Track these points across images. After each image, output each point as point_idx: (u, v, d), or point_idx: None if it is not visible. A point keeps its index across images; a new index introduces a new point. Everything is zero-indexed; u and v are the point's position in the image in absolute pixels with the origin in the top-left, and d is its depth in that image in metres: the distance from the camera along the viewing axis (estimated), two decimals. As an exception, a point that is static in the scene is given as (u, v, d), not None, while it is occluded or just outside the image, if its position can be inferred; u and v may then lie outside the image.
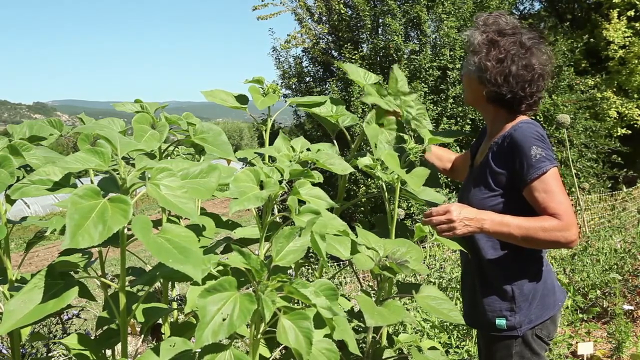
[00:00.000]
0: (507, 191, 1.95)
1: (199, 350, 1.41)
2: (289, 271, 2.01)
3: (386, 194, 2.11)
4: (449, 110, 12.69)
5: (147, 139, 1.75)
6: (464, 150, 9.86)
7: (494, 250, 2.01)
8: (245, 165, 2.19)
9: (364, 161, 2.09)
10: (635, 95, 15.54)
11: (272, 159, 2.08)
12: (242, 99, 2.26)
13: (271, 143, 2.17)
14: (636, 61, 15.22)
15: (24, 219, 1.97)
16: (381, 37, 13.21)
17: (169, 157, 1.95)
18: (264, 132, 2.25)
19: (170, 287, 2.15)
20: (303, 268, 2.24)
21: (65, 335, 2.82)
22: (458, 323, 2.24)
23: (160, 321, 2.05)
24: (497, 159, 1.97)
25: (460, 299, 4.34)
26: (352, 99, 11.87)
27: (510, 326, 2.00)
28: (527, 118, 2.02)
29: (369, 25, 13.30)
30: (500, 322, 2.01)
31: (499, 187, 1.96)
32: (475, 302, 2.09)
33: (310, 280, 1.59)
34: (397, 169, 1.98)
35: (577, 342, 3.97)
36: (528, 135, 1.90)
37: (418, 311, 4.18)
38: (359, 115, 2.39)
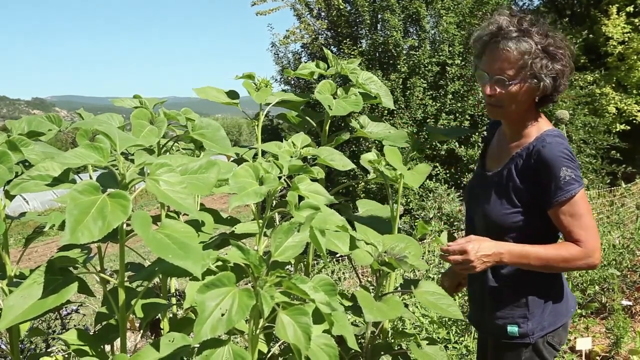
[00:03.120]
0: (531, 208, 1.86)
1: (198, 345, 1.41)
2: (288, 267, 2.01)
3: (389, 190, 2.11)
4: (448, 106, 12.68)
5: (145, 134, 1.75)
6: (462, 146, 9.70)
7: (507, 227, 1.91)
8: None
9: (368, 157, 2.09)
10: (634, 91, 15.53)
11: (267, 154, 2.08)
12: (232, 94, 2.26)
13: (269, 139, 2.17)
14: (635, 57, 15.21)
15: (22, 214, 1.97)
16: (380, 32, 13.20)
17: (167, 153, 1.95)
18: (256, 127, 2.25)
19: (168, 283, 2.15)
20: (302, 264, 2.24)
21: (64, 330, 2.82)
22: (457, 318, 2.23)
23: (159, 316, 2.05)
24: (522, 174, 1.85)
25: (460, 296, 4.34)
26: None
27: (523, 333, 1.94)
28: (551, 126, 1.91)
29: (368, 21, 13.28)
30: (512, 329, 1.95)
31: (521, 203, 1.86)
32: (484, 307, 2.02)
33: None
34: (399, 165, 1.98)
35: (575, 338, 3.98)
36: (558, 154, 1.79)
37: (417, 307, 4.19)
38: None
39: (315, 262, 4.39)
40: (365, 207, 2.26)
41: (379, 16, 13.37)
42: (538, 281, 1.92)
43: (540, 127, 1.89)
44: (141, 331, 1.84)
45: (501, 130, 2.02)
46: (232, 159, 2.19)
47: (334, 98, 2.23)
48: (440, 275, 2.24)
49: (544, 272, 1.89)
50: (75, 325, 3.23)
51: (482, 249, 1.77)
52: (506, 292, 1.95)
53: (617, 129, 15.01)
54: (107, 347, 1.94)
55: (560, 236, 1.91)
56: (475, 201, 2.01)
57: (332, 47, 14.05)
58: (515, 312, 1.94)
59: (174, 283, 2.22)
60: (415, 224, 2.03)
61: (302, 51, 14.94)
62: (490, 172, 1.97)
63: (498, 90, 1.81)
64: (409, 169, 2.08)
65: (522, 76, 1.78)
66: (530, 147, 1.84)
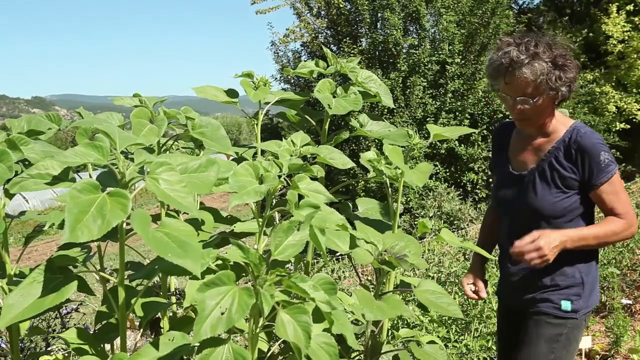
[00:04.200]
0: (578, 192, 2.07)
1: (198, 344, 1.41)
2: (288, 266, 2.01)
3: (389, 188, 2.11)
4: (447, 104, 12.69)
5: (145, 133, 1.75)
6: (462, 145, 9.71)
7: (558, 213, 2.10)
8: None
9: (368, 156, 2.09)
10: (634, 90, 15.53)
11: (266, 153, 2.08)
12: (232, 93, 2.26)
13: (268, 138, 2.17)
14: (635, 56, 15.21)
15: (22, 213, 1.97)
16: (380, 31, 13.19)
17: (167, 152, 1.95)
18: (255, 126, 2.25)
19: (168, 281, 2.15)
20: (301, 262, 2.24)
21: (64, 329, 2.82)
22: (457, 317, 2.23)
23: (159, 315, 2.05)
24: (564, 164, 2.06)
25: (460, 295, 4.34)
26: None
27: (574, 309, 2.11)
28: (576, 121, 2.14)
29: (368, 20, 13.28)
30: (566, 304, 2.11)
31: (568, 189, 2.07)
32: (532, 281, 2.15)
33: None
34: (400, 164, 1.98)
35: (575, 336, 3.97)
36: (595, 142, 2.03)
37: (417, 305, 4.19)
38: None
39: (315, 260, 4.39)
40: (365, 205, 2.26)
41: (379, 15, 13.37)
42: (590, 260, 2.15)
43: (563, 121, 2.13)
44: (141, 330, 1.84)
45: (518, 134, 2.22)
46: (231, 157, 2.19)
47: (334, 97, 2.23)
48: (463, 279, 2.33)
49: (594, 251, 2.16)
50: (75, 324, 3.24)
51: (552, 242, 1.95)
52: (562, 268, 2.11)
53: (617, 128, 15.00)
54: (107, 346, 1.94)
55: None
56: (517, 200, 2.17)
57: (332, 45, 14.05)
58: (571, 289, 2.12)
59: (173, 282, 2.22)
60: (416, 222, 2.04)
61: (301, 50, 14.95)
62: (525, 171, 2.15)
63: (524, 107, 2.02)
64: (410, 167, 2.08)
65: (541, 91, 1.98)
66: (566, 140, 2.07)
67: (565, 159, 2.06)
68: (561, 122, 2.12)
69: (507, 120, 2.32)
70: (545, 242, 1.94)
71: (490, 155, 2.42)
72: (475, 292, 2.29)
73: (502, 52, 1.99)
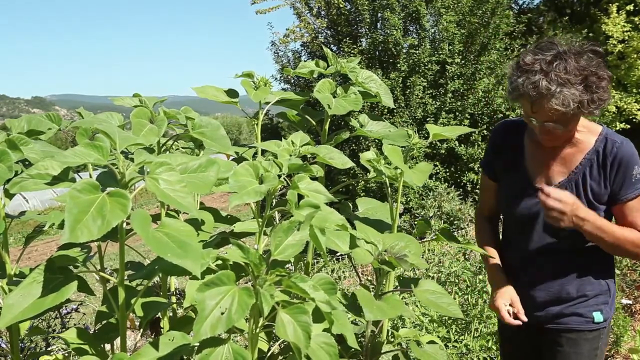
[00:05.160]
0: (607, 207, 1.95)
1: (198, 344, 1.41)
2: (288, 266, 2.01)
3: (389, 188, 2.11)
4: (447, 104, 12.69)
5: (145, 133, 1.75)
6: (462, 145, 9.70)
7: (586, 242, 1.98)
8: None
9: (367, 156, 2.09)
10: (634, 90, 15.52)
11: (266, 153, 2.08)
12: (232, 93, 2.26)
13: (268, 138, 2.18)
14: (635, 56, 15.20)
15: (22, 213, 1.97)
16: (380, 31, 13.19)
17: (167, 152, 1.95)
18: (255, 126, 2.25)
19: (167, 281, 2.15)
20: (301, 262, 2.24)
21: (64, 329, 2.82)
22: (457, 317, 2.22)
23: (159, 315, 2.05)
24: (598, 178, 1.93)
25: (460, 294, 4.34)
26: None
27: (605, 318, 2.04)
28: (602, 125, 2.00)
29: (368, 20, 13.28)
30: (598, 316, 2.03)
31: (602, 205, 1.94)
32: (557, 294, 2.03)
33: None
34: (400, 164, 1.98)
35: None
36: (634, 153, 1.92)
37: (417, 305, 4.19)
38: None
39: (315, 260, 4.39)
40: (365, 205, 2.26)
41: (379, 15, 13.36)
42: (611, 267, 2.07)
43: (589, 126, 1.97)
44: (141, 330, 1.84)
45: (534, 139, 2.02)
46: (231, 157, 2.19)
47: (334, 97, 2.23)
48: (493, 298, 2.06)
49: (610, 258, 2.04)
50: (75, 324, 3.24)
51: (578, 209, 1.84)
52: (591, 278, 2.02)
53: (617, 128, 14.99)
54: (107, 346, 1.94)
55: None
56: (539, 218, 2.00)
57: (332, 45, 14.05)
58: (600, 298, 2.03)
59: (173, 282, 2.22)
60: (416, 222, 2.03)
61: (302, 50, 14.95)
62: (552, 186, 1.95)
63: (556, 132, 1.86)
64: (409, 167, 2.08)
65: (572, 117, 1.82)
66: (600, 150, 1.93)
67: (599, 172, 1.92)
68: (587, 128, 1.96)
69: (512, 119, 2.17)
70: (574, 202, 1.83)
71: (485, 155, 2.22)
72: (515, 315, 2.01)
73: (527, 80, 1.78)
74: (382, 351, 2.12)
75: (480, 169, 2.24)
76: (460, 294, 4.40)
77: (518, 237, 2.10)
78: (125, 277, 1.65)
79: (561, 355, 2.07)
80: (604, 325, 2.04)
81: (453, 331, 3.97)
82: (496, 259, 2.16)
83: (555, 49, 1.80)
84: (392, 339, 2.20)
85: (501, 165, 2.12)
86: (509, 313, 2.00)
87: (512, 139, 2.10)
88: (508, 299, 2.03)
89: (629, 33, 15.14)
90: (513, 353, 2.28)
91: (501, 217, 2.29)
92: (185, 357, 1.72)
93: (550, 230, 1.98)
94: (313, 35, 14.54)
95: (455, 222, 10.62)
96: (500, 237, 2.27)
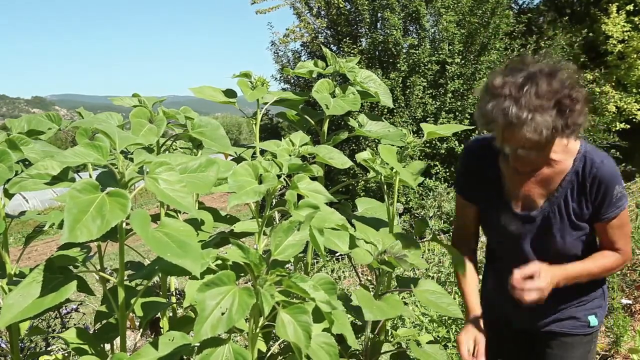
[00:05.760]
0: (589, 224, 1.90)
1: (198, 344, 1.41)
2: (288, 265, 2.01)
3: (385, 188, 2.11)
4: (447, 104, 12.69)
5: (145, 133, 1.75)
6: (462, 145, 9.69)
7: (580, 250, 1.94)
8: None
9: (363, 155, 2.09)
10: (634, 90, 15.52)
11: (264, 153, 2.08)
12: (230, 93, 2.25)
13: (268, 138, 2.18)
14: (635, 55, 15.20)
15: (22, 213, 1.97)
16: (380, 31, 13.20)
17: (167, 152, 1.95)
18: (254, 126, 2.25)
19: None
20: (301, 262, 2.24)
21: (64, 329, 2.82)
22: (457, 317, 2.21)
23: (159, 315, 2.05)
24: (578, 197, 1.86)
25: (460, 294, 4.34)
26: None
27: (599, 322, 2.03)
28: (581, 141, 1.86)
29: (368, 20, 13.28)
30: (593, 320, 2.02)
31: (584, 224, 1.89)
32: (555, 301, 1.95)
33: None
34: (394, 163, 1.97)
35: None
36: (614, 173, 1.85)
37: (417, 305, 4.19)
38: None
39: (314, 260, 4.39)
40: (365, 205, 2.26)
41: (379, 15, 13.37)
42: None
43: (569, 146, 1.86)
44: (141, 330, 1.84)
45: (508, 161, 1.88)
46: (231, 157, 2.19)
47: (332, 97, 2.23)
48: (461, 335, 1.94)
49: None
50: (75, 324, 3.24)
51: (552, 281, 1.80)
52: (586, 283, 1.97)
53: (617, 128, 14.99)
54: (107, 346, 1.94)
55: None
56: (530, 244, 1.96)
57: (332, 45, 14.06)
58: (595, 302, 2.03)
59: (173, 282, 2.22)
60: (415, 222, 2.03)
61: (301, 50, 14.95)
62: (535, 211, 1.91)
63: (529, 158, 1.78)
64: (405, 166, 2.08)
65: (546, 143, 1.72)
66: (579, 171, 1.84)
67: (579, 193, 1.85)
68: (565, 148, 1.85)
69: (485, 136, 1.97)
70: (546, 285, 1.77)
71: (458, 176, 2.08)
72: (475, 355, 1.90)
73: (496, 106, 1.66)
74: (382, 351, 2.12)
75: (454, 190, 2.14)
76: (459, 293, 4.39)
77: (505, 255, 2.05)
78: (125, 277, 1.65)
79: (555, 359, 2.06)
80: (597, 329, 2.05)
81: (453, 331, 3.96)
82: (471, 285, 2.06)
83: (526, 70, 1.68)
84: (392, 339, 2.20)
85: (477, 188, 2.01)
86: (469, 351, 1.91)
87: (486, 160, 1.97)
88: (472, 338, 1.93)
89: (628, 33, 15.15)
90: (499, 351, 2.19)
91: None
92: (185, 357, 1.72)
93: (538, 248, 1.94)
94: (313, 35, 14.54)
95: (455, 222, 10.61)
96: (485, 249, 2.22)
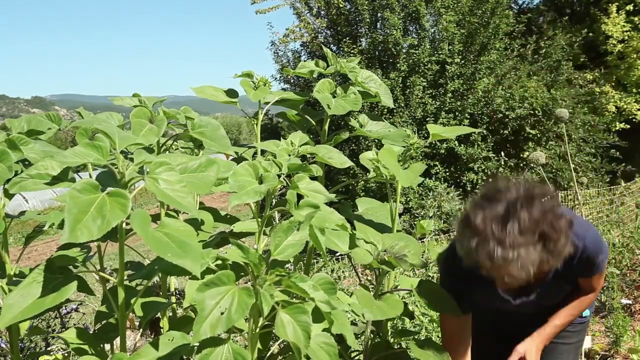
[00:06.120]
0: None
1: (198, 344, 1.41)
2: (288, 265, 2.01)
3: (389, 188, 2.11)
4: (447, 104, 12.69)
5: (145, 133, 1.75)
6: (462, 145, 9.62)
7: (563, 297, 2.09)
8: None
9: (367, 155, 2.09)
10: (634, 90, 15.54)
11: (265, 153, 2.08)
12: (231, 93, 2.25)
13: (268, 138, 2.17)
14: (635, 55, 15.22)
15: (22, 213, 1.97)
16: (380, 31, 13.20)
17: (167, 152, 1.95)
18: (255, 126, 2.25)
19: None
20: (301, 262, 2.24)
21: (63, 329, 2.82)
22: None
23: (158, 315, 2.05)
24: (565, 269, 1.83)
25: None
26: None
27: (590, 312, 2.24)
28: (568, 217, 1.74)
29: (368, 20, 13.28)
30: (586, 310, 2.20)
31: (573, 280, 2.02)
32: (551, 314, 2.12)
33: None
34: (394, 165, 1.97)
35: (575, 336, 3.97)
36: (598, 246, 1.93)
37: (417, 305, 4.19)
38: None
39: (315, 260, 4.39)
40: (365, 205, 2.26)
41: (379, 15, 13.37)
42: None
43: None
44: (141, 330, 1.84)
45: None
46: (231, 157, 2.19)
47: (333, 97, 2.23)
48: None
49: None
50: (75, 324, 3.24)
51: (537, 352, 2.05)
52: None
53: (617, 128, 15.01)
54: (107, 346, 1.94)
55: None
56: (522, 310, 2.05)
57: (331, 45, 14.06)
58: None
59: (173, 282, 2.22)
60: (416, 222, 2.03)
61: (301, 50, 14.96)
62: (531, 295, 1.99)
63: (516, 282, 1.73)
64: (407, 167, 2.08)
65: (532, 274, 1.65)
66: (566, 255, 1.77)
67: (566, 267, 1.81)
68: None
69: (450, 259, 1.94)
70: (537, 355, 2.03)
71: (444, 282, 2.04)
72: None
73: (481, 248, 1.61)
74: (382, 351, 2.11)
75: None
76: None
77: (494, 319, 2.20)
78: (125, 277, 1.65)
79: (551, 348, 2.15)
80: (589, 318, 2.26)
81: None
82: None
83: (504, 200, 1.64)
84: (392, 339, 2.20)
85: (465, 291, 1.98)
86: None
87: (471, 276, 1.82)
88: None
89: (628, 33, 15.17)
90: (488, 344, 2.24)
91: None
92: (185, 357, 1.72)
93: (522, 307, 2.02)
94: (313, 35, 14.55)
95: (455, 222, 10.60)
96: None
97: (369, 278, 5.69)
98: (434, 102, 12.68)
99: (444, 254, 2.04)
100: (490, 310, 2.11)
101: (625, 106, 15.26)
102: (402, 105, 12.49)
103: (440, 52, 12.76)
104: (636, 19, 15.23)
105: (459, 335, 2.08)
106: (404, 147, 2.12)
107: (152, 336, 2.19)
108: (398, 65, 12.60)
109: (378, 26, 13.52)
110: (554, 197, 1.71)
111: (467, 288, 1.98)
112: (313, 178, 1.85)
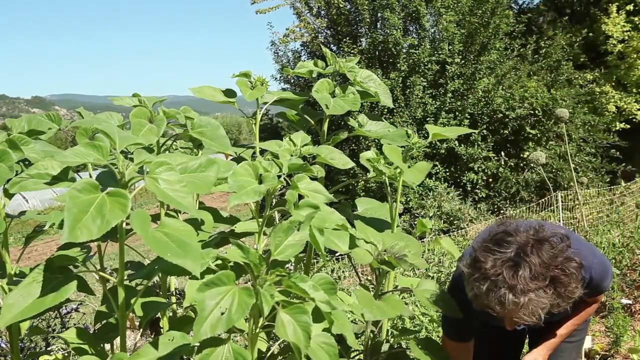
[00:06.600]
0: None
1: (198, 344, 1.41)
2: (288, 265, 2.01)
3: (388, 188, 2.11)
4: (447, 104, 12.70)
5: (145, 133, 1.75)
6: (462, 145, 9.67)
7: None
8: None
9: (367, 155, 2.09)
10: (634, 90, 15.53)
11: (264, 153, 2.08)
12: (229, 93, 2.25)
13: (268, 138, 2.17)
14: (635, 55, 15.21)
15: (22, 213, 1.97)
16: (380, 31, 13.20)
17: (167, 152, 1.95)
18: (253, 126, 2.25)
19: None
20: (301, 262, 2.24)
21: (64, 329, 2.82)
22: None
23: (159, 315, 2.05)
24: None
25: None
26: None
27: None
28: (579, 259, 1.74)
29: (368, 20, 13.29)
30: None
31: (578, 302, 1.88)
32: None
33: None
34: (399, 163, 1.97)
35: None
36: (605, 274, 1.98)
37: (417, 305, 4.19)
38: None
39: (315, 260, 4.39)
40: (365, 205, 2.25)
41: (379, 15, 13.38)
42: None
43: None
44: (141, 330, 1.84)
45: None
46: (231, 157, 2.19)
47: (332, 97, 2.23)
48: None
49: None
50: (75, 324, 3.24)
51: (545, 356, 2.15)
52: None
53: (617, 128, 15.00)
54: (107, 346, 1.94)
55: None
56: (529, 332, 2.31)
57: (331, 45, 14.06)
58: None
59: (173, 282, 2.22)
60: (415, 222, 2.03)
61: (301, 50, 14.96)
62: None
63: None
64: (409, 167, 2.08)
65: (543, 315, 1.66)
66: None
67: None
68: None
69: (460, 293, 1.88)
70: None
71: (455, 297, 1.98)
72: None
73: (492, 294, 1.62)
74: (382, 351, 2.11)
75: (449, 337, 2.15)
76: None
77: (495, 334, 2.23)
78: (125, 277, 1.65)
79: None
80: (590, 317, 2.30)
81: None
82: None
83: (514, 244, 1.64)
84: (392, 339, 2.20)
85: (474, 317, 1.95)
86: None
87: (470, 307, 1.82)
88: None
89: (628, 33, 15.17)
90: (493, 344, 2.34)
91: None
92: (185, 357, 1.72)
93: (532, 328, 1.99)
94: (313, 35, 14.55)
95: (455, 222, 10.62)
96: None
97: (369, 278, 5.69)
98: (434, 102, 12.69)
99: (447, 287, 2.11)
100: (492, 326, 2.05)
101: (625, 106, 15.26)
102: (402, 105, 12.49)
103: (440, 52, 12.77)
104: (636, 19, 15.23)
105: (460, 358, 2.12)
106: (404, 146, 2.12)
107: (152, 336, 2.19)
108: (398, 65, 12.61)
109: (378, 26, 13.52)
110: (563, 238, 1.69)
111: (470, 317, 1.95)
112: (313, 178, 1.85)
